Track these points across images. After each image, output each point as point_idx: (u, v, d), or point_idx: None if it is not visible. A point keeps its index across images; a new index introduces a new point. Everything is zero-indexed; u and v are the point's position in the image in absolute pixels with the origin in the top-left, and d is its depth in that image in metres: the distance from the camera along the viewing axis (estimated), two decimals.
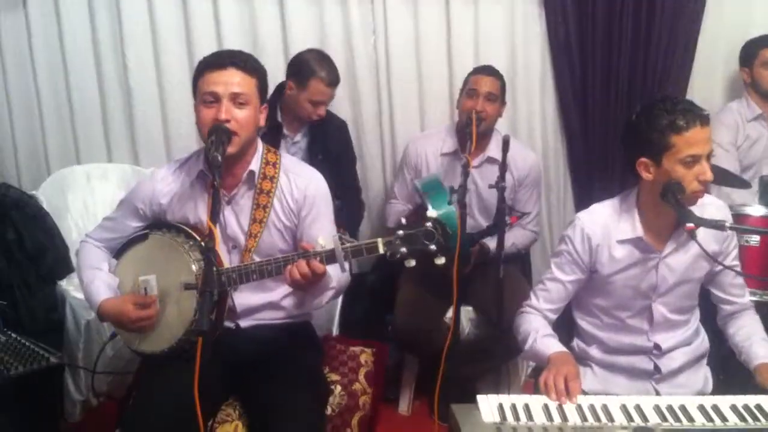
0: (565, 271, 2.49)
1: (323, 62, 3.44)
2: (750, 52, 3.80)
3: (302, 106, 3.44)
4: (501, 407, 2.04)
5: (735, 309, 2.55)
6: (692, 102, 2.27)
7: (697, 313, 2.58)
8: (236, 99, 2.30)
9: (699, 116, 2.19)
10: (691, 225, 2.17)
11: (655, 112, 2.24)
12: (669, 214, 2.31)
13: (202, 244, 2.26)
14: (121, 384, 3.06)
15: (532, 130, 4.10)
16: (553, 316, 2.53)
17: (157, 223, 2.52)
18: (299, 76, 3.42)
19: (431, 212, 2.12)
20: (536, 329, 2.44)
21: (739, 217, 3.03)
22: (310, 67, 3.41)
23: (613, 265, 2.43)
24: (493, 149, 3.53)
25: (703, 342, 2.59)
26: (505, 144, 2.75)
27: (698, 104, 2.27)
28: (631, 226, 2.40)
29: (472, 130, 3.17)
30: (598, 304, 2.52)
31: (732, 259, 2.50)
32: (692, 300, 2.53)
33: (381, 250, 2.11)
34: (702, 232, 2.30)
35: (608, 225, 2.43)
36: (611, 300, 2.48)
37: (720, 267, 2.45)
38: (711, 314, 2.62)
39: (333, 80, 3.44)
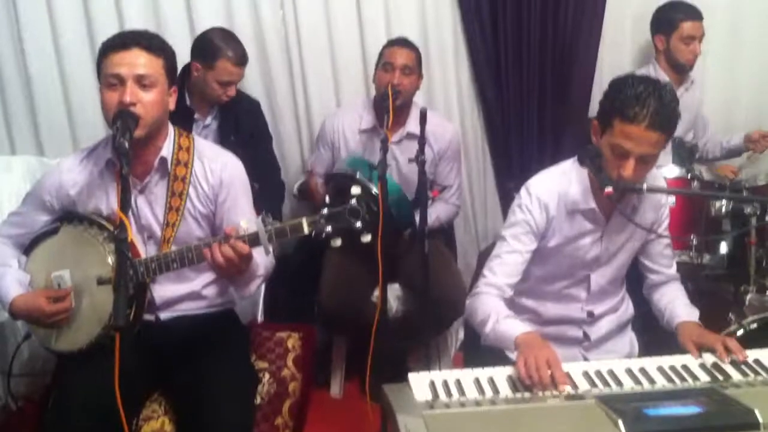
0: (523, 242, 2.42)
1: (229, 41, 3.35)
2: (668, 22, 3.74)
3: (211, 87, 3.34)
4: (432, 384, 2.02)
5: (662, 279, 2.59)
6: (664, 103, 2.14)
7: (624, 281, 2.62)
8: (141, 81, 2.21)
9: (651, 118, 2.11)
10: (609, 189, 2.17)
11: (624, 84, 2.19)
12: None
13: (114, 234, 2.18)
14: (39, 385, 2.96)
15: (448, 100, 4.08)
16: (510, 292, 2.43)
17: (68, 216, 2.42)
18: (205, 56, 3.32)
19: (355, 189, 2.08)
20: (496, 311, 2.32)
21: None
22: (216, 47, 3.30)
23: (560, 237, 2.42)
24: (412, 124, 3.49)
25: (628, 308, 2.63)
26: (422, 117, 2.73)
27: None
28: (583, 196, 2.38)
29: (389, 105, 3.14)
30: (536, 273, 2.50)
31: (664, 229, 2.53)
32: (625, 269, 2.56)
33: (306, 230, 2.06)
34: (642, 204, 2.35)
35: (560, 194, 2.40)
36: (552, 269, 2.49)
37: (652, 236, 2.47)
38: (636, 280, 2.65)
39: (241, 59, 3.34)
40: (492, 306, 2.35)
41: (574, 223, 2.41)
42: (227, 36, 3.38)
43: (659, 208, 2.49)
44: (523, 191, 2.46)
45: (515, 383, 2.04)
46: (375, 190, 2.17)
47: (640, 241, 2.51)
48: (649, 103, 2.12)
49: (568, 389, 1.99)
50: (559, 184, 2.42)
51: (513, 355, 2.22)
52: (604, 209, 2.39)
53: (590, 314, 2.51)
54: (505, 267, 2.43)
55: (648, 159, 2.20)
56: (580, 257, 2.45)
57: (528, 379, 1.99)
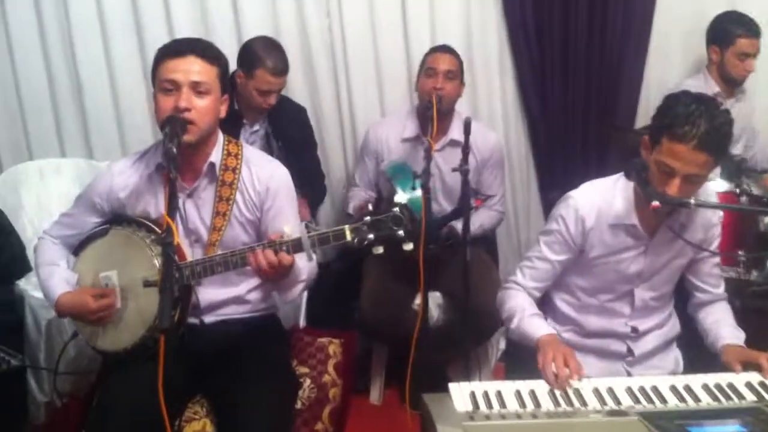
0: (555, 251, 2.44)
1: (270, 51, 3.37)
2: (725, 35, 3.69)
3: (251, 95, 3.38)
4: (473, 395, 2.02)
5: (709, 298, 2.55)
6: (715, 125, 2.08)
7: (672, 298, 2.59)
8: (197, 87, 2.24)
9: (700, 138, 2.07)
10: (656, 203, 2.15)
11: (677, 102, 2.16)
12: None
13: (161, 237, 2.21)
14: (84, 383, 3.01)
15: (492, 111, 4.07)
16: (538, 295, 2.49)
17: (118, 218, 2.46)
18: (247, 65, 3.36)
19: (399, 197, 2.09)
20: (522, 307, 2.40)
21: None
22: (257, 56, 3.34)
23: (602, 248, 2.41)
24: (455, 132, 3.51)
25: (675, 325, 2.60)
26: (467, 126, 2.72)
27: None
28: (626, 211, 2.36)
29: (433, 113, 3.14)
30: (580, 284, 2.50)
31: (714, 248, 2.49)
32: (672, 285, 2.53)
33: (348, 237, 2.08)
34: (692, 222, 2.33)
35: (602, 207, 2.39)
36: (594, 281, 2.47)
37: (701, 254, 2.45)
38: (683, 297, 2.62)
39: (279, 69, 3.36)
40: (519, 302, 2.43)
41: (616, 237, 2.39)
42: (269, 45, 3.40)
43: (710, 227, 2.44)
44: (563, 201, 2.46)
45: (557, 397, 2.03)
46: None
47: (687, 258, 2.47)
48: (699, 123, 2.08)
49: (611, 405, 1.98)
50: (601, 197, 2.40)
51: None
52: (647, 225, 2.37)
53: (634, 329, 2.48)
54: (534, 272, 2.49)
55: (694, 180, 2.16)
56: (622, 271, 2.43)
57: (546, 373, 2.08)
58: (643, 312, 2.50)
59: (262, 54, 3.33)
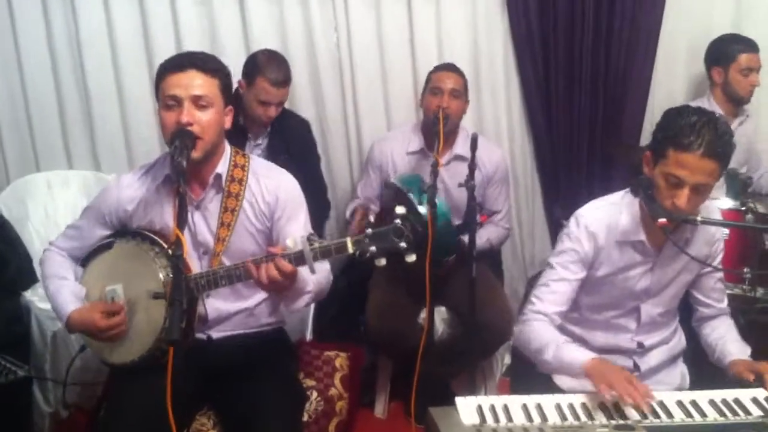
0: (573, 270, 2.42)
1: (272, 61, 3.37)
2: (725, 54, 3.73)
3: (251, 105, 3.38)
4: (480, 408, 2.02)
5: (712, 313, 2.56)
6: (719, 133, 2.12)
7: (677, 313, 2.59)
8: (198, 101, 2.26)
9: (706, 146, 2.10)
10: (663, 220, 2.16)
11: (678, 115, 2.19)
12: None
13: (169, 251, 2.22)
14: (91, 395, 3.01)
15: (498, 126, 4.08)
16: (559, 320, 2.44)
17: (123, 231, 2.47)
18: (248, 74, 3.37)
19: (400, 209, 2.09)
20: (555, 338, 2.34)
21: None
22: (258, 66, 3.35)
23: (610, 266, 2.41)
24: (460, 146, 3.52)
25: (680, 340, 2.60)
26: (474, 142, 2.74)
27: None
28: (633, 227, 2.37)
29: (439, 129, 3.16)
30: (585, 301, 2.50)
31: (718, 263, 2.50)
32: (678, 301, 2.54)
33: (350, 250, 2.07)
34: (696, 237, 2.34)
35: (610, 225, 2.39)
36: (601, 299, 2.47)
37: (705, 270, 2.45)
38: (687, 312, 2.62)
39: (279, 80, 3.35)
40: (549, 333, 2.36)
41: (624, 254, 2.40)
42: (272, 57, 3.41)
43: (713, 242, 2.46)
44: (572, 220, 2.46)
45: (564, 411, 2.03)
46: (423, 210, 2.17)
47: (692, 274, 2.48)
48: (703, 132, 2.11)
49: (617, 419, 1.99)
50: (608, 214, 2.41)
51: (568, 381, 2.27)
52: (654, 241, 2.38)
53: (640, 345, 2.49)
54: (554, 295, 2.43)
55: (702, 189, 2.17)
56: (630, 288, 2.43)
57: (628, 399, 2.00)
58: (650, 327, 2.50)
59: (264, 64, 3.34)
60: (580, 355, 2.24)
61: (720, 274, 2.52)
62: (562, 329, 2.48)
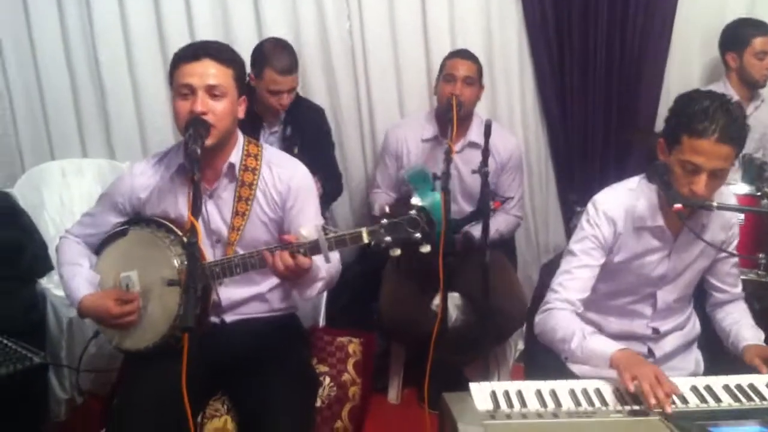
0: (593, 256, 2.40)
1: (276, 50, 3.35)
2: (739, 38, 3.71)
3: (264, 96, 3.38)
4: (494, 394, 2.02)
5: (727, 298, 2.55)
6: (732, 117, 2.11)
7: (692, 299, 2.58)
8: (212, 91, 2.26)
9: (720, 131, 2.08)
10: (678, 206, 2.15)
11: (691, 100, 2.17)
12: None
13: (184, 239, 2.22)
14: (105, 381, 3.02)
15: (512, 113, 4.07)
16: (582, 308, 2.41)
17: (137, 219, 2.48)
18: (256, 66, 3.36)
19: (415, 200, 2.10)
20: (580, 327, 2.29)
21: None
22: (264, 57, 3.34)
23: (627, 252, 2.40)
24: (474, 133, 3.52)
25: (695, 326, 2.59)
26: (487, 129, 2.73)
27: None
28: (652, 213, 2.36)
29: (452, 116, 3.15)
30: (601, 288, 2.47)
31: (733, 248, 2.49)
32: (693, 287, 2.53)
33: (365, 240, 2.09)
34: (712, 222, 2.33)
35: (628, 210, 2.38)
36: (617, 285, 2.46)
37: (721, 255, 2.44)
38: (701, 298, 2.61)
39: (285, 68, 3.33)
40: (574, 323, 2.33)
41: (641, 240, 2.39)
42: (277, 46, 3.39)
43: (729, 228, 2.45)
44: (590, 206, 2.44)
45: (578, 397, 2.03)
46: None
47: (709, 260, 2.47)
48: (717, 117, 2.09)
49: (632, 405, 1.99)
50: (626, 199, 2.39)
51: (583, 367, 2.26)
52: (672, 227, 2.36)
53: (656, 331, 2.48)
54: (576, 282, 2.40)
55: (719, 174, 2.16)
56: (646, 274, 2.42)
57: (652, 399, 1.94)
58: (665, 313, 2.49)
59: (269, 54, 3.33)
60: (607, 346, 2.19)
61: (735, 260, 2.51)
62: (581, 317, 2.45)
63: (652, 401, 1.94)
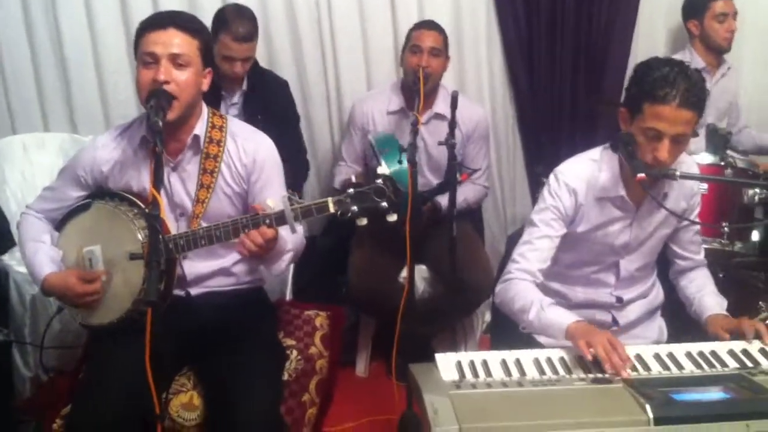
0: (553, 227, 2.41)
1: (236, 17, 3.31)
2: (699, 4, 3.76)
3: (218, 61, 3.31)
4: (459, 365, 2.04)
5: (689, 265, 2.58)
6: (692, 81, 2.15)
7: (655, 267, 2.60)
8: (176, 60, 2.23)
9: (681, 96, 2.11)
10: (642, 175, 2.16)
11: (650, 68, 2.20)
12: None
13: (147, 211, 2.20)
14: (70, 358, 3.00)
15: (479, 84, 4.05)
16: (542, 277, 2.42)
17: (100, 192, 2.45)
18: (213, 30, 3.30)
19: (382, 169, 2.09)
20: (539, 298, 2.31)
21: None
22: (222, 21, 3.30)
23: (590, 223, 2.41)
24: (440, 105, 3.50)
25: (658, 294, 2.62)
26: (454, 100, 2.73)
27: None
28: (613, 183, 2.37)
29: (419, 87, 3.13)
30: (565, 259, 2.50)
31: (695, 216, 2.51)
32: (655, 255, 2.55)
33: (331, 209, 2.09)
34: (674, 191, 2.34)
35: (590, 181, 2.40)
36: (580, 255, 2.48)
37: (683, 223, 2.46)
38: (665, 266, 2.64)
39: (240, 36, 3.28)
40: (532, 293, 2.34)
41: (604, 210, 2.40)
42: (236, 12, 3.35)
43: (692, 196, 2.47)
44: (551, 177, 2.45)
45: (542, 365, 2.04)
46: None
47: (671, 228, 2.49)
48: (677, 82, 2.13)
49: (595, 373, 2.00)
50: (588, 170, 2.41)
51: (549, 341, 2.28)
52: (634, 196, 2.38)
53: (619, 299, 2.50)
54: (537, 252, 2.41)
55: (681, 139, 2.19)
56: (609, 243, 2.44)
57: (608, 362, 1.97)
58: (628, 282, 2.52)
59: (227, 19, 3.29)
60: (564, 318, 2.22)
61: (697, 228, 2.54)
62: (543, 286, 2.48)
63: (608, 366, 1.97)
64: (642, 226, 2.43)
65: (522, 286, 2.37)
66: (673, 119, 2.13)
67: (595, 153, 2.44)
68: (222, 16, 3.32)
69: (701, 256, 2.59)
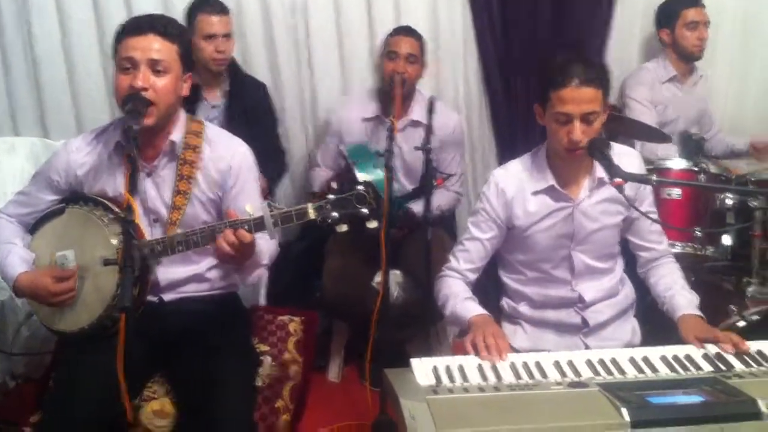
0: (482, 229, 2.51)
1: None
2: (670, 13, 3.80)
3: (200, 49, 3.32)
4: (435, 369, 2.03)
5: (653, 256, 2.59)
6: (589, 62, 2.30)
7: (620, 263, 2.62)
8: (155, 66, 2.21)
9: (579, 75, 2.22)
10: (619, 180, 2.17)
11: (549, 61, 2.33)
12: (578, 162, 2.38)
13: (122, 216, 2.17)
14: (39, 364, 2.97)
15: (456, 91, 4.06)
16: (473, 276, 2.53)
17: (74, 197, 2.42)
18: (188, 20, 3.35)
19: (363, 175, 2.09)
20: (456, 293, 2.46)
21: (661, 171, 3.10)
22: (194, 7, 3.36)
23: (529, 218, 2.46)
24: (417, 111, 3.51)
25: (628, 294, 2.62)
26: (431, 105, 2.73)
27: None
28: (543, 177, 2.44)
29: (395, 93, 3.14)
30: (520, 259, 2.55)
31: (647, 205, 2.53)
32: (612, 247, 2.56)
33: (312, 216, 2.07)
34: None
35: (522, 178, 2.47)
36: (532, 253, 2.51)
37: (637, 213, 2.47)
38: (634, 264, 2.65)
39: (217, 9, 3.35)
40: (453, 290, 2.48)
41: (540, 203, 2.45)
42: None
43: (637, 186, 2.48)
44: (487, 181, 2.55)
45: (518, 370, 2.05)
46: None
47: (619, 217, 2.50)
48: (573, 65, 2.25)
49: (571, 377, 2.01)
50: (522, 167, 2.49)
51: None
52: (566, 186, 2.44)
53: (581, 298, 2.51)
54: (465, 254, 2.53)
55: (590, 118, 2.27)
56: (555, 236, 2.47)
57: (472, 348, 2.14)
58: (585, 275, 2.52)
59: (198, 3, 3.36)
60: (468, 311, 2.37)
61: (654, 216, 2.54)
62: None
63: (484, 355, 2.11)
64: (585, 215, 2.45)
65: (449, 282, 2.52)
66: (578, 99, 2.23)
67: (533, 151, 2.53)
68: (192, 6, 3.37)
69: (665, 246, 2.60)
